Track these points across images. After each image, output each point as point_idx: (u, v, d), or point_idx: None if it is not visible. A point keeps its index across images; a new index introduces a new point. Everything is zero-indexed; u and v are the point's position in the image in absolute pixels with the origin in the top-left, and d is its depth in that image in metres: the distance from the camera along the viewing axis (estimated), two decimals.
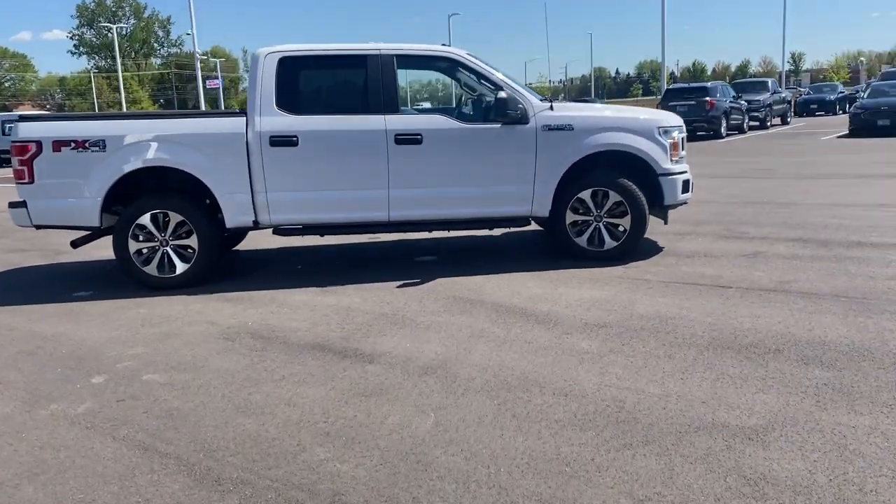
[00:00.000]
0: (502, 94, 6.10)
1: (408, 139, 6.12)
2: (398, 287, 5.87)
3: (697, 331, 4.36)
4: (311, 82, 6.65)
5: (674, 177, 6.39)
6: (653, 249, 6.73)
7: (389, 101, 6.20)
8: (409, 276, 6.17)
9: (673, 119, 6.61)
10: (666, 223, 6.52)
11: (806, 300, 4.87)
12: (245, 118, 6.10)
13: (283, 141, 6.05)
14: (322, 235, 6.63)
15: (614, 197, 6.30)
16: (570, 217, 6.42)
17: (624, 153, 6.32)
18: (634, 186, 6.28)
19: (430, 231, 6.61)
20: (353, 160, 6.15)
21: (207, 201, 6.30)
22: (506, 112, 6.09)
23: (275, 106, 6.10)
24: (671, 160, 6.41)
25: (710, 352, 4.02)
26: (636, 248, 6.46)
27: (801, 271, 5.64)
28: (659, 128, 6.44)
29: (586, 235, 6.44)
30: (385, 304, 5.39)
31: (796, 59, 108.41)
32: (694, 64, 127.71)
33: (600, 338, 4.34)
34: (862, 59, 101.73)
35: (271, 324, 5.02)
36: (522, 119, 6.20)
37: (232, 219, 6.15)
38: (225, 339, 4.73)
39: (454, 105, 7.47)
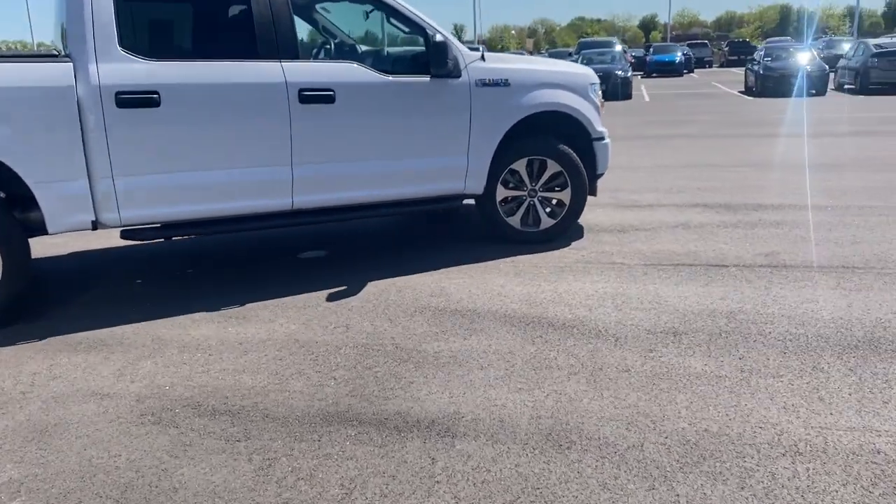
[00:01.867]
0: (439, 38, 4.73)
1: (316, 96, 4.48)
2: (330, 301, 4.29)
3: (787, 327, 3.60)
4: (171, 10, 4.61)
5: (605, 141, 5.59)
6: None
7: (287, 43, 4.48)
8: (326, 283, 4.60)
9: (593, 73, 5.78)
10: (594, 195, 5.72)
11: (831, 275, 4.38)
12: (72, 64, 3.96)
13: (136, 99, 4.04)
14: (192, 237, 4.69)
15: (553, 167, 5.32)
16: (501, 193, 5.31)
17: (562, 115, 5.35)
18: (574, 154, 5.36)
19: (341, 221, 5.02)
20: (242, 126, 4.35)
21: (6, 194, 4.06)
22: (443, 61, 4.74)
23: (117, 45, 4.05)
24: (600, 121, 5.59)
25: (851, 355, 3.26)
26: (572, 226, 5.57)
27: (761, 241, 5.21)
28: (591, 84, 5.58)
29: (519, 214, 5.38)
30: (341, 329, 3.83)
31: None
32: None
33: (697, 352, 3.36)
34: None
35: (204, 384, 3.22)
36: (455, 72, 4.90)
37: (57, 219, 4.00)
38: (156, 425, 2.88)
39: (368, 51, 5.83)
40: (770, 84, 21.17)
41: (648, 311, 3.91)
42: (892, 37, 31.42)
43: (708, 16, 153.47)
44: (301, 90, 4.43)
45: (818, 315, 3.75)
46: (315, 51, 5.76)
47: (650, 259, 4.88)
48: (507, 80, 5.08)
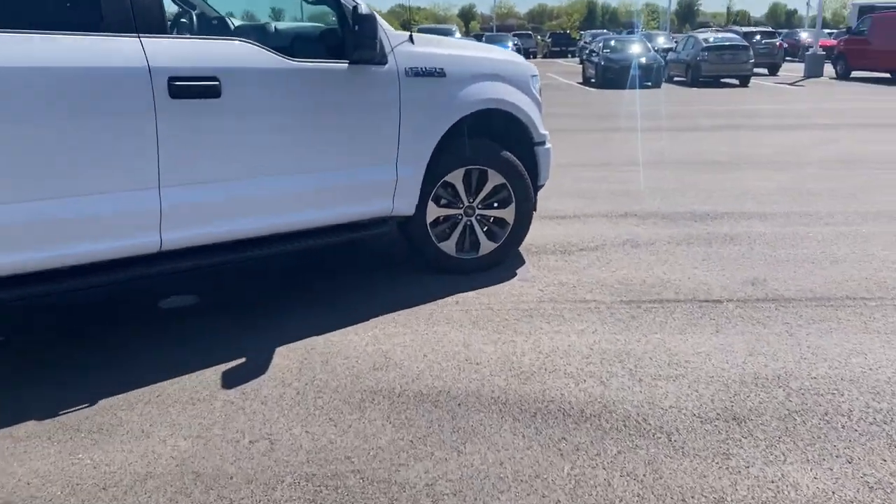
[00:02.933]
0: (364, 9, 3.47)
1: (195, 87, 3.10)
2: (229, 385, 2.96)
3: (863, 400, 2.76)
4: None
5: (548, 146, 4.60)
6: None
7: (148, 9, 3.04)
8: (214, 351, 3.25)
9: (532, 64, 4.76)
10: (535, 209, 4.71)
11: (847, 311, 3.66)
12: None
13: None
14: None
15: (494, 179, 4.24)
16: (433, 212, 4.16)
17: (502, 114, 4.28)
18: (519, 163, 4.32)
19: (233, 264, 3.60)
20: (80, 134, 2.88)
21: None
22: (369, 42, 3.50)
23: None
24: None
25: None
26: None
27: (732, 263, 4.47)
28: (532, 76, 4.55)
29: (454, 237, 4.26)
30: (262, 444, 2.54)
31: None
32: None
33: (789, 455, 2.43)
34: None
35: None
36: (380, 57, 3.67)
37: None
38: None
39: (260, 26, 4.33)
40: (611, 76, 21.40)
41: (676, 380, 2.96)
42: (716, 30, 33.32)
43: (521, 8, 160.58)
44: (172, 79, 3.02)
45: (883, 376, 2.97)
46: (185, 22, 4.28)
47: (623, 293, 3.96)
48: (442, 69, 3.93)
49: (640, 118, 12.61)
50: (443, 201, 4.20)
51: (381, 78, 3.69)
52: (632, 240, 5.01)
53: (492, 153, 4.21)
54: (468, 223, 4.27)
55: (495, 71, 4.23)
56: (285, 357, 3.22)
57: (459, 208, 4.24)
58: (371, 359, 3.19)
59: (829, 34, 35.57)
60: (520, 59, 4.62)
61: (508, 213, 4.33)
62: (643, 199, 6.25)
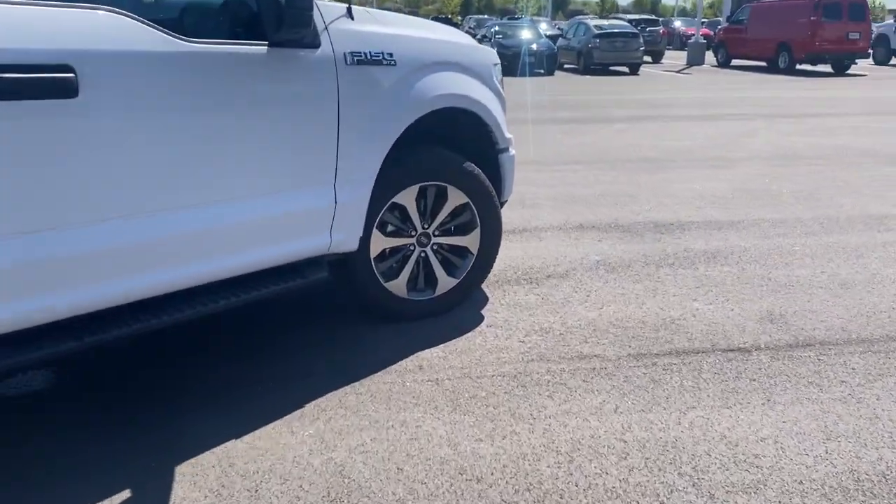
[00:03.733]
0: None
1: (34, 82, 1.96)
2: None
3: None
4: None
5: (512, 153, 3.70)
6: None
7: None
8: (79, 485, 2.14)
9: (493, 51, 3.83)
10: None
11: None
12: None
13: None
14: None
15: (455, 198, 3.29)
16: (378, 243, 3.17)
17: (463, 114, 3.33)
18: (485, 177, 3.39)
19: (90, 347, 2.45)
20: None
21: None
22: (301, 16, 2.44)
23: None
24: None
25: None
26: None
27: (732, 292, 3.75)
28: (495, 65, 3.63)
29: (405, 274, 3.29)
30: None
31: None
32: None
33: None
34: None
35: None
36: (310, 37, 2.63)
37: None
38: None
39: None
40: (505, 63, 20.73)
41: (757, 491, 2.14)
42: (607, 17, 33.44)
43: None
44: None
45: None
46: None
47: (626, 342, 3.13)
48: (391, 54, 2.93)
49: (548, 109, 11.96)
50: (390, 228, 3.21)
51: (312, 66, 2.66)
52: (603, 261, 4.21)
53: (452, 165, 3.26)
54: (422, 255, 3.31)
55: (456, 58, 3.28)
56: (191, 483, 2.16)
57: (411, 236, 3.26)
58: (322, 481, 2.18)
59: (703, 23, 36.69)
60: (477, 43, 3.68)
61: (472, 240, 3.40)
62: (592, 205, 5.48)
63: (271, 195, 2.63)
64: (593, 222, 5.02)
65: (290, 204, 2.68)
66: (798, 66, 21.32)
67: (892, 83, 17.31)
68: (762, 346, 3.11)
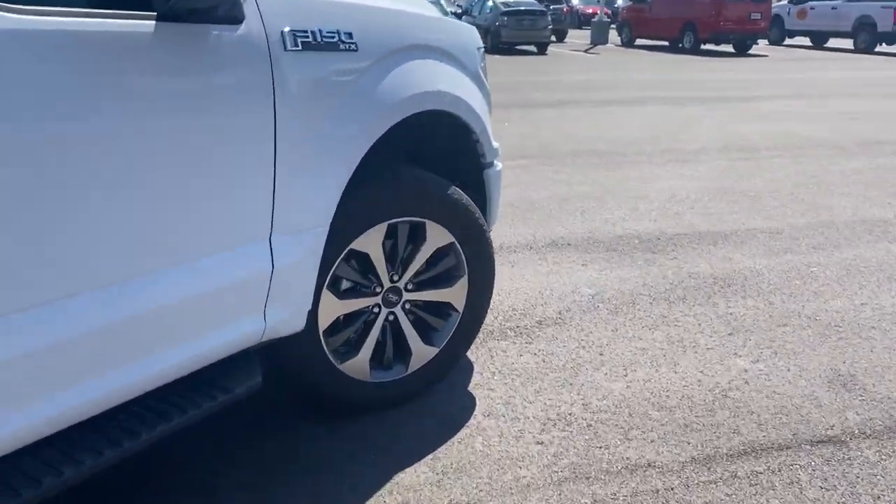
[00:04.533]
0: None
1: None
2: None
3: None
4: None
5: (499, 167, 2.75)
6: None
7: None
8: None
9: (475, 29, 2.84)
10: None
11: None
12: None
13: None
14: None
15: (437, 237, 2.32)
16: (331, 309, 2.16)
17: (449, 118, 2.36)
18: (474, 207, 2.43)
19: None
20: None
21: None
22: None
23: None
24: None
25: None
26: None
27: (778, 342, 2.97)
28: (479, 49, 2.66)
29: (367, 347, 2.29)
30: None
31: None
32: None
33: None
34: None
35: None
36: (229, 7, 1.58)
37: None
38: None
39: None
40: None
41: None
42: None
43: None
44: None
45: None
46: None
47: (682, 437, 2.28)
48: (350, 33, 1.91)
49: None
50: (345, 285, 2.22)
51: (229, 53, 1.62)
52: (599, 296, 3.35)
53: (434, 193, 2.28)
54: (389, 317, 2.33)
55: (437, 40, 2.30)
56: None
57: (375, 294, 2.28)
58: None
59: (598, 1, 36.67)
60: (457, 20, 2.70)
61: (457, 293, 2.44)
62: (558, 214, 4.63)
63: (170, 267, 1.59)
64: (567, 238, 4.16)
65: (193, 281, 1.64)
66: (702, 46, 21.32)
67: (796, 64, 17.43)
68: (855, 430, 2.33)
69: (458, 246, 2.38)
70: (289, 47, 1.73)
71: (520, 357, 2.77)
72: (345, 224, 2.06)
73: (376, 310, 2.29)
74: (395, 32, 2.09)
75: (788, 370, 2.70)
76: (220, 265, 1.68)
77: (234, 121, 1.66)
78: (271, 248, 1.79)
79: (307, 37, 1.77)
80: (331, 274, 2.12)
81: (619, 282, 3.53)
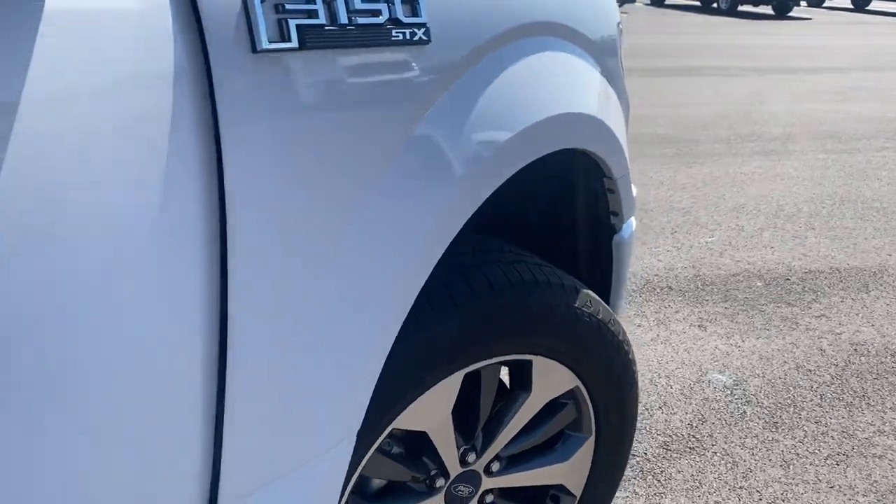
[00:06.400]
0: None
1: None
2: None
3: None
4: None
5: (633, 226, 1.63)
6: None
7: None
8: None
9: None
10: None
11: None
12: None
13: None
14: None
15: (550, 382, 1.24)
16: None
17: (581, 156, 1.25)
18: (614, 319, 1.34)
19: None
20: None
21: None
22: None
23: None
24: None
25: None
26: None
27: None
28: (619, 26, 1.51)
29: None
30: None
31: None
32: None
33: None
34: None
35: None
36: None
37: None
38: None
39: None
40: None
41: None
42: None
43: None
44: None
45: None
46: None
47: None
48: (416, 6, 0.79)
49: None
50: (378, 483, 1.15)
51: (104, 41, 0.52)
52: (739, 387, 2.27)
53: (548, 305, 1.18)
54: None
55: (559, 13, 1.17)
56: None
57: (432, 490, 1.20)
58: None
59: None
60: None
61: (575, 468, 1.36)
62: (644, 234, 3.53)
63: None
64: (665, 276, 3.07)
65: None
66: (739, 8, 19.86)
67: (845, 29, 16.03)
68: None
69: (583, 391, 1.30)
70: (261, 46, 0.63)
71: None
72: (382, 390, 0.99)
73: None
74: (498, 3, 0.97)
75: None
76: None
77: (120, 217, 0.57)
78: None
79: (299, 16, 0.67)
80: (356, 477, 1.05)
81: (760, 361, 2.45)
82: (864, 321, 2.74)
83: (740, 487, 1.86)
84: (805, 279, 3.08)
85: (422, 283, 0.89)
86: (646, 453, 1.97)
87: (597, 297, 1.27)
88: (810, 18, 18.57)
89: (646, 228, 3.58)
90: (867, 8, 22.05)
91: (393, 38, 0.76)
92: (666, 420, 2.12)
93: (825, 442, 2.04)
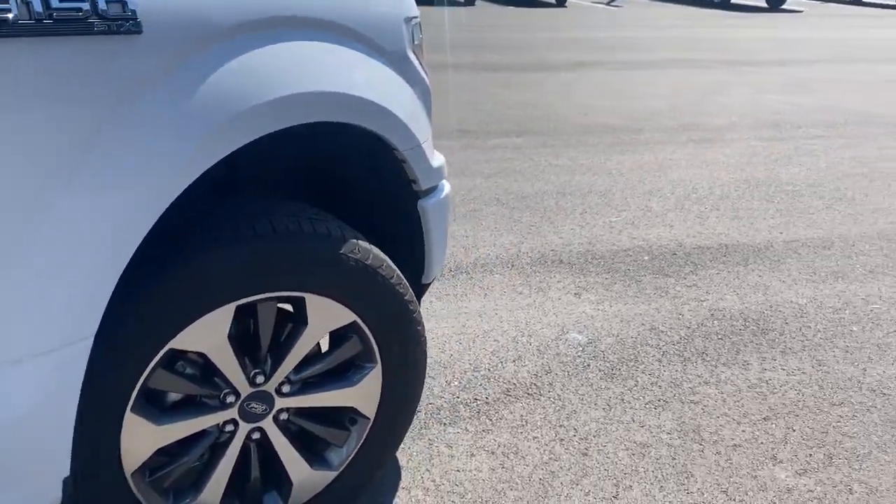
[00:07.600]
0: None
1: None
2: None
3: None
4: None
5: (445, 192, 1.89)
6: None
7: None
8: None
9: None
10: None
11: None
12: None
13: None
14: None
15: (325, 317, 1.51)
16: (143, 437, 1.36)
17: (358, 131, 1.52)
18: (390, 262, 1.60)
19: None
20: None
21: None
22: None
23: None
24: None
25: None
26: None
27: None
28: (409, 21, 1.77)
29: (215, 483, 1.50)
30: None
31: None
32: None
33: None
34: None
35: None
36: None
37: None
38: None
39: None
40: None
41: None
42: None
43: None
44: None
45: None
46: None
47: None
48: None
49: (471, 50, 10.07)
50: (172, 397, 1.42)
51: None
52: (592, 344, 2.53)
53: (312, 250, 1.45)
54: (254, 436, 1.53)
55: (316, 11, 1.43)
56: None
57: (225, 406, 1.47)
58: None
59: None
60: None
61: (364, 392, 1.63)
62: (552, 213, 3.78)
63: None
64: (560, 251, 3.32)
65: None
66: (732, 1, 19.94)
67: (835, 21, 16.13)
68: None
69: (363, 326, 1.56)
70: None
71: (470, 459, 1.97)
72: (153, 314, 1.27)
73: (230, 427, 1.49)
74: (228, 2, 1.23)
75: (851, 490, 1.89)
76: None
77: None
78: None
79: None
80: (137, 389, 1.32)
81: (619, 323, 2.70)
82: (730, 290, 2.99)
83: (560, 426, 2.12)
84: (691, 254, 3.33)
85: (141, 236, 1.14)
86: (487, 398, 2.24)
87: (368, 245, 1.53)
88: (802, 11, 18.64)
89: (558, 209, 3.83)
90: (863, 1, 22.03)
91: (96, 30, 1.02)
92: (515, 371, 2.38)
93: (651, 390, 2.30)
